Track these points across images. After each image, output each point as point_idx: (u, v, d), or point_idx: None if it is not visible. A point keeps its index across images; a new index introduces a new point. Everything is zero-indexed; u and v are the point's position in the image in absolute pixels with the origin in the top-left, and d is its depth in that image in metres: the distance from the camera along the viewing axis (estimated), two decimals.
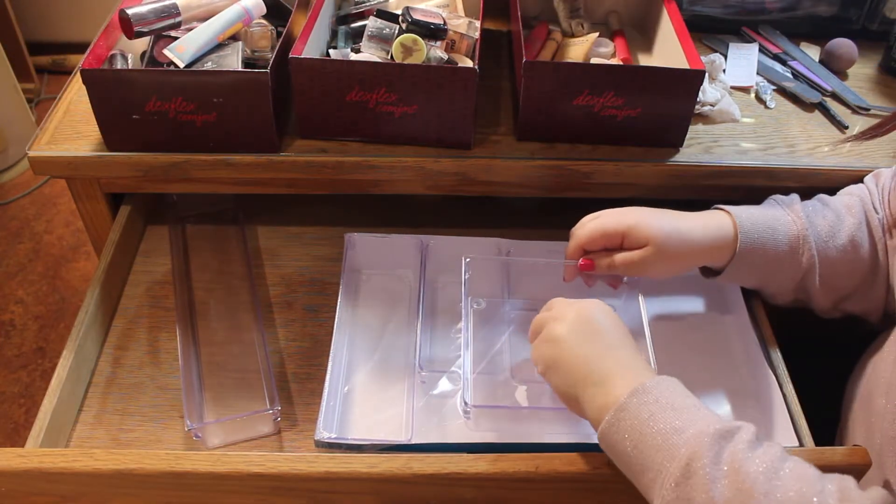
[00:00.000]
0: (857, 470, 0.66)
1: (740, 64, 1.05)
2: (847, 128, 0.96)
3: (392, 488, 0.66)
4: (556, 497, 0.68)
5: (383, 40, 0.88)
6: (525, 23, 1.07)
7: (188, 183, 0.90)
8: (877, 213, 0.79)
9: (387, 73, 0.82)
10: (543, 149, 0.89)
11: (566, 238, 0.80)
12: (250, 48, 0.89)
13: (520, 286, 0.87)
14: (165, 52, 0.83)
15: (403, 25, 0.86)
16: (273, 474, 0.64)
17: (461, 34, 0.91)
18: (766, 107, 0.99)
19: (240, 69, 0.84)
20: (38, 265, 1.79)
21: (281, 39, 0.87)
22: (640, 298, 0.79)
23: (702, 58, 0.88)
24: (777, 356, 0.81)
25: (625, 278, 0.81)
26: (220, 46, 0.86)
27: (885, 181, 0.82)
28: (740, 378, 0.81)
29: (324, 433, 0.70)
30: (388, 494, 0.67)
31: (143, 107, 0.82)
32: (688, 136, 0.90)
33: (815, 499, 0.52)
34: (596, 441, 0.62)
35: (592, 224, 0.77)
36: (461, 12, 0.97)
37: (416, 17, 0.85)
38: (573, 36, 1.03)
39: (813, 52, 1.09)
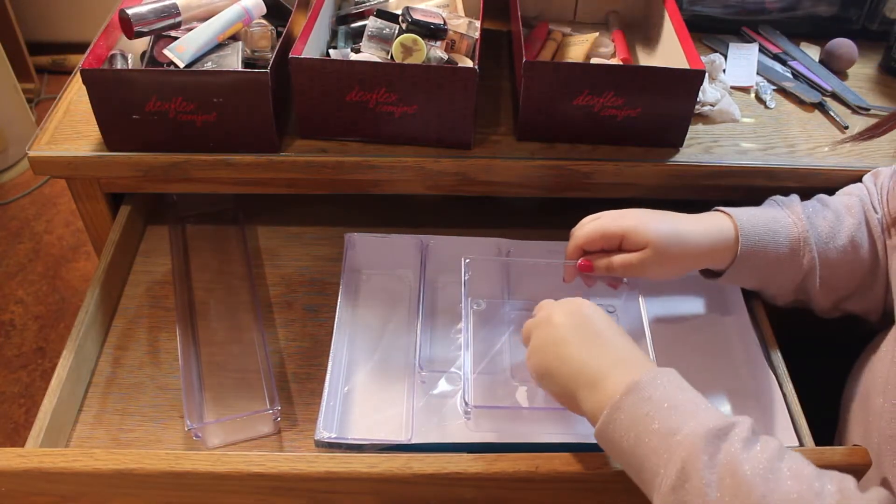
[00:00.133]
0: (857, 470, 0.66)
1: (740, 64, 1.05)
2: (847, 128, 0.96)
3: (392, 488, 0.66)
4: (556, 497, 0.68)
5: (383, 40, 0.88)
6: (525, 23, 1.07)
7: (188, 183, 0.90)
8: (876, 212, 0.79)
9: (387, 73, 0.82)
10: (543, 149, 0.89)
11: (566, 238, 0.80)
12: (250, 48, 0.89)
13: (520, 286, 0.87)
14: (165, 52, 0.83)
15: (403, 25, 0.86)
16: (273, 474, 0.64)
17: (461, 34, 0.91)
18: (766, 107, 0.99)
19: (240, 69, 0.84)
20: (38, 265, 1.79)
21: (281, 39, 0.87)
22: (640, 299, 0.79)
23: (702, 58, 0.88)
24: (777, 356, 0.81)
25: (625, 279, 0.81)
26: (220, 46, 0.86)
27: (883, 180, 0.81)
28: (740, 378, 0.80)
29: (324, 433, 0.70)
30: (388, 494, 0.67)
31: (143, 107, 0.82)
32: (688, 136, 0.90)
33: (813, 501, 0.52)
34: (595, 441, 0.62)
35: (591, 225, 0.77)
36: (461, 12, 0.97)
37: (416, 17, 0.85)
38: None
39: (813, 52, 1.09)
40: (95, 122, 0.85)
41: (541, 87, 0.85)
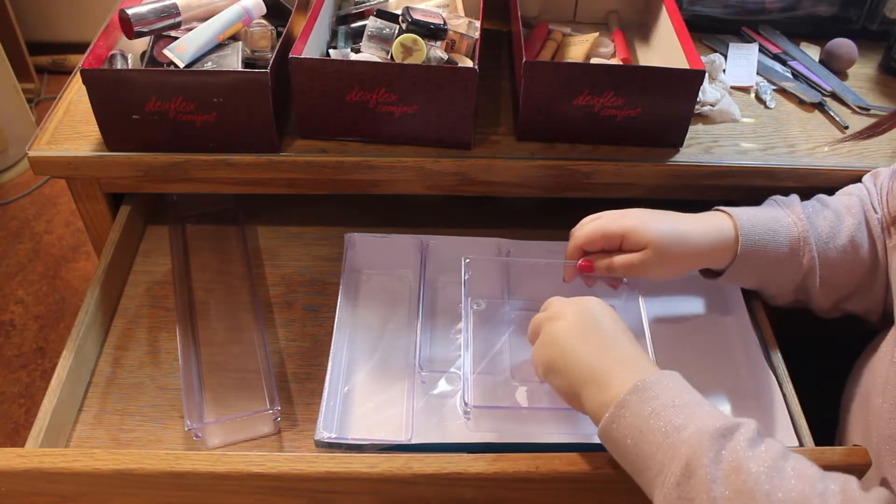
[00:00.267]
0: (857, 470, 0.66)
1: (740, 64, 1.05)
2: (847, 128, 0.96)
3: (392, 488, 0.66)
4: (556, 497, 0.68)
5: (383, 40, 0.88)
6: (525, 23, 1.07)
7: (188, 183, 0.90)
8: (876, 212, 0.79)
9: (387, 73, 0.82)
10: (543, 149, 0.89)
11: (566, 238, 0.80)
12: (250, 48, 0.89)
13: (520, 286, 0.87)
14: (165, 52, 0.83)
15: (403, 25, 0.86)
16: (273, 474, 0.64)
17: (461, 34, 0.91)
18: (766, 107, 0.99)
19: (240, 69, 0.84)
20: (38, 265, 1.79)
21: (281, 39, 0.87)
22: (640, 299, 0.79)
23: (702, 58, 0.88)
24: (777, 357, 0.81)
25: (625, 279, 0.81)
26: (220, 46, 0.86)
27: (883, 180, 0.82)
28: (740, 378, 0.80)
29: (324, 433, 0.70)
30: (388, 494, 0.67)
31: (143, 107, 0.82)
32: (688, 136, 0.90)
33: (816, 500, 0.52)
34: (596, 441, 0.62)
35: (591, 225, 0.77)
36: (461, 12, 0.97)
37: (416, 17, 0.85)
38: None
39: (813, 52, 1.09)
40: (95, 122, 0.85)
41: (541, 87, 0.85)
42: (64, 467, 0.64)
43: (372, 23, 0.89)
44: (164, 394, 0.80)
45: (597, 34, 1.02)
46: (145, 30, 0.84)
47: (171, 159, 0.86)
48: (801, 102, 1.00)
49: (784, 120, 0.97)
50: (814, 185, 0.89)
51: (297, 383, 0.81)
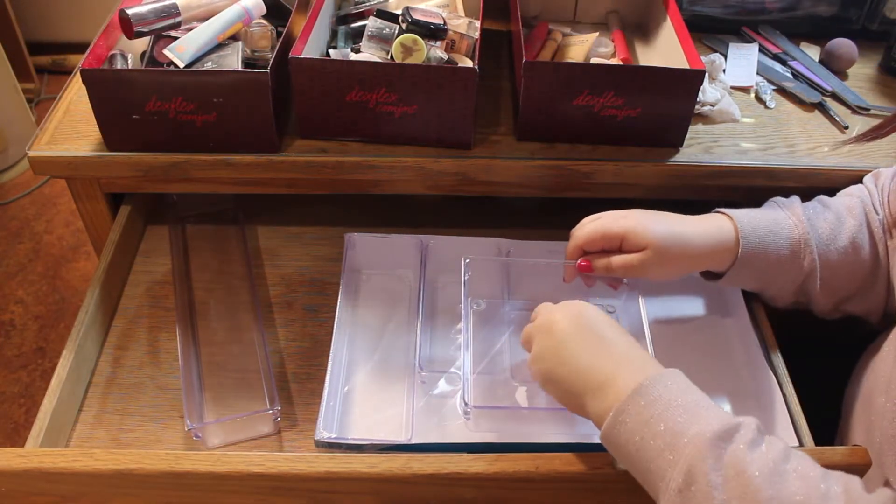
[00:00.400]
0: (857, 470, 0.66)
1: (740, 64, 1.05)
2: (847, 128, 0.96)
3: (392, 488, 0.66)
4: (556, 497, 0.68)
5: (383, 40, 0.88)
6: (525, 23, 1.07)
7: (188, 183, 0.90)
8: (877, 213, 0.79)
9: (387, 73, 0.82)
10: (543, 149, 0.89)
11: (566, 238, 0.80)
12: (250, 48, 0.89)
13: (520, 286, 0.87)
14: (165, 52, 0.83)
15: (403, 25, 0.86)
16: (273, 474, 0.64)
17: (461, 34, 0.91)
18: (766, 107, 0.99)
19: (240, 69, 0.84)
20: (38, 265, 1.79)
21: (281, 39, 0.87)
22: (640, 300, 0.79)
23: (702, 58, 0.88)
24: (777, 357, 0.81)
25: (625, 279, 0.81)
26: (220, 46, 0.86)
27: (884, 181, 0.81)
28: (741, 379, 0.80)
29: (324, 433, 0.70)
30: (388, 494, 0.67)
31: (143, 107, 0.82)
32: (688, 136, 0.90)
33: (820, 502, 0.52)
34: (596, 441, 0.62)
35: (591, 226, 0.77)
36: (461, 12, 0.97)
37: (416, 17, 0.85)
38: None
39: (813, 52, 1.09)
40: (95, 122, 0.85)
41: (541, 87, 0.85)
42: (64, 467, 0.64)
43: (372, 23, 0.89)
44: (164, 394, 0.80)
45: (597, 34, 1.02)
46: (145, 30, 0.84)
47: (171, 159, 0.86)
48: (801, 102, 1.00)
49: (784, 120, 0.97)
50: (814, 185, 0.89)
51: (297, 383, 0.81)
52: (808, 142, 0.93)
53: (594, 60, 0.96)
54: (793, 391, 0.77)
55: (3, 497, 0.66)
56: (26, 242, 1.84)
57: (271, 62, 0.82)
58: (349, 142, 0.88)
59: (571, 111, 0.86)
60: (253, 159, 0.86)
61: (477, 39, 0.91)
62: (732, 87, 1.01)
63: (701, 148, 0.91)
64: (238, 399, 0.79)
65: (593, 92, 0.84)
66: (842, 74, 1.06)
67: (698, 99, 0.94)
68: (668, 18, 0.97)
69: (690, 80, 0.84)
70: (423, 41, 0.83)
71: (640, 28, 1.09)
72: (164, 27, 0.86)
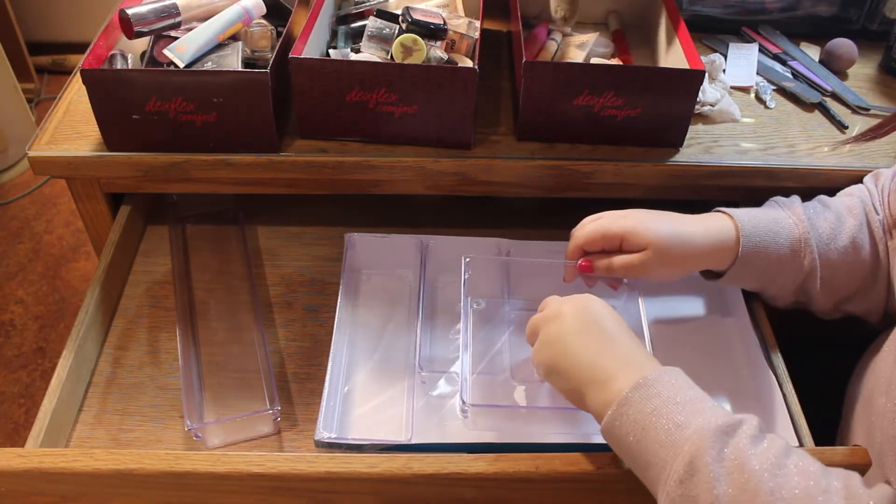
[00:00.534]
0: (858, 470, 0.66)
1: (740, 64, 1.05)
2: (847, 128, 0.96)
3: (392, 488, 0.66)
4: (556, 497, 0.68)
5: (383, 40, 0.88)
6: (525, 23, 1.07)
7: (188, 183, 0.90)
8: (877, 213, 0.79)
9: (387, 73, 0.82)
10: (543, 149, 0.89)
11: (566, 238, 0.80)
12: (250, 48, 0.89)
13: (520, 286, 0.87)
14: (165, 52, 0.83)
15: (403, 25, 0.86)
16: (273, 474, 0.64)
17: (461, 34, 0.91)
18: (766, 107, 0.99)
19: (240, 69, 0.84)
20: (38, 265, 1.79)
21: (281, 39, 0.87)
22: (640, 300, 0.79)
23: (702, 58, 0.88)
24: (777, 357, 0.81)
25: (625, 279, 0.81)
26: (220, 46, 0.86)
27: (884, 181, 0.81)
28: (741, 379, 0.80)
29: (324, 433, 0.70)
30: (388, 494, 0.67)
31: (143, 107, 0.82)
32: (688, 136, 0.90)
33: (820, 497, 0.52)
34: (596, 441, 0.62)
35: (591, 226, 0.77)
36: (461, 12, 0.97)
37: (416, 17, 0.85)
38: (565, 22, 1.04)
39: (813, 52, 1.09)
40: (95, 122, 0.85)
41: (541, 87, 0.85)
42: (64, 467, 0.64)
43: (372, 23, 0.89)
44: (164, 394, 0.80)
45: (597, 34, 1.02)
46: (145, 30, 0.84)
47: (171, 159, 0.86)
48: (801, 102, 1.00)
49: (784, 120, 0.97)
50: (814, 185, 0.89)
51: (297, 383, 0.81)
52: (808, 142, 0.93)
53: (594, 60, 0.96)
54: (793, 391, 0.77)
55: (3, 497, 0.66)
56: (26, 242, 1.84)
57: (271, 62, 0.82)
58: (349, 142, 0.88)
59: (571, 111, 0.86)
60: (253, 159, 0.86)
61: (477, 39, 0.91)
62: (732, 87, 1.01)
63: (701, 148, 0.91)
64: (238, 399, 0.79)
65: (593, 92, 0.84)
66: (842, 74, 1.06)
67: (698, 99, 0.94)
68: (668, 18, 0.97)
69: (690, 80, 0.84)
70: (423, 41, 0.84)
71: (640, 28, 1.09)
72: (164, 27, 0.86)
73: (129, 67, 0.86)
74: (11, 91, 1.93)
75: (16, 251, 1.82)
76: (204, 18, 0.87)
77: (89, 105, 0.83)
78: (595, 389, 0.62)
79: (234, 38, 0.88)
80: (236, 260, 0.94)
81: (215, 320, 0.86)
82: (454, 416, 0.75)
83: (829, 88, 1.02)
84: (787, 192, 0.84)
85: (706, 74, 0.93)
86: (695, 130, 0.93)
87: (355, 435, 0.74)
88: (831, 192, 0.85)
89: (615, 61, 0.99)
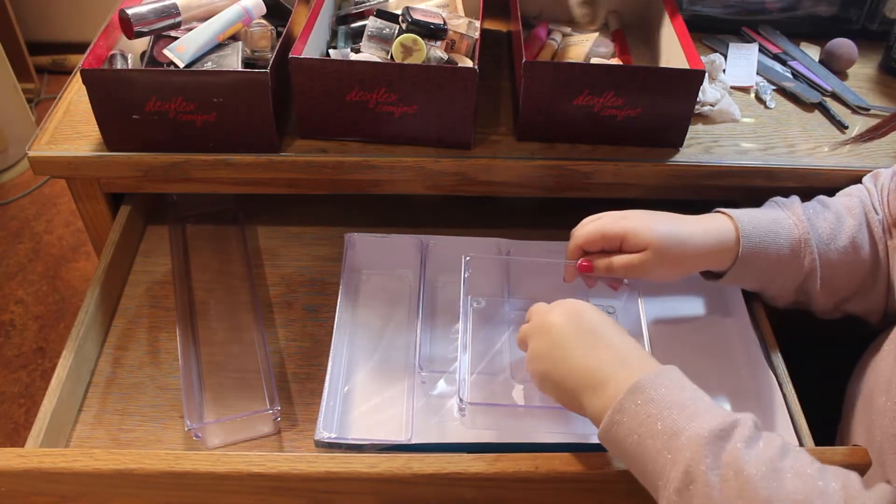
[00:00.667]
0: (858, 470, 0.66)
1: (740, 64, 1.05)
2: (847, 128, 0.96)
3: (392, 488, 0.66)
4: (556, 497, 0.68)
5: (383, 40, 0.88)
6: (525, 23, 1.07)
7: (188, 183, 0.90)
8: (876, 213, 0.79)
9: (387, 73, 0.82)
10: (543, 149, 0.89)
11: (566, 238, 0.80)
12: (250, 48, 0.89)
13: (520, 286, 0.87)
14: (165, 52, 0.83)
15: (403, 25, 0.86)
16: (273, 474, 0.64)
17: (461, 34, 0.91)
18: (766, 107, 0.99)
19: (240, 69, 0.84)
20: (38, 265, 1.79)
21: (281, 39, 0.87)
22: (640, 300, 0.79)
23: (702, 58, 0.88)
24: (777, 357, 0.81)
25: (625, 280, 0.80)
26: (220, 46, 0.86)
27: (884, 181, 0.81)
28: (741, 379, 0.80)
29: (324, 433, 0.70)
30: (388, 494, 0.67)
31: (143, 107, 0.82)
32: (688, 136, 0.90)
33: (818, 501, 0.52)
34: (595, 441, 0.62)
35: (591, 226, 0.77)
36: (461, 12, 0.97)
37: (416, 17, 0.85)
38: (580, 25, 1.04)
39: (813, 52, 1.09)
40: (95, 122, 0.85)
41: (541, 87, 0.85)
42: (64, 467, 0.64)
43: (372, 23, 0.89)
44: (164, 394, 0.80)
45: (597, 34, 1.02)
46: (145, 30, 0.84)
47: (171, 159, 0.86)
48: (801, 102, 1.00)
49: (784, 120, 0.97)
50: (814, 185, 0.89)
51: (297, 383, 0.81)
52: (808, 142, 0.93)
53: (594, 60, 0.96)
54: (793, 391, 0.77)
55: (3, 497, 0.66)
56: (26, 242, 1.84)
57: (271, 62, 0.82)
58: (349, 142, 0.88)
59: (571, 111, 0.86)
60: (253, 159, 0.86)
61: (477, 39, 0.91)
62: (732, 87, 1.01)
63: (701, 148, 0.91)
64: (238, 399, 0.79)
65: (593, 92, 0.84)
66: (842, 74, 1.06)
67: (698, 99, 0.94)
68: (668, 18, 0.97)
69: (690, 80, 0.84)
70: (423, 41, 0.84)
71: (640, 28, 1.09)
72: (164, 27, 0.86)
73: (129, 67, 0.86)
74: (11, 91, 1.93)
75: (16, 251, 1.82)
76: (204, 18, 0.87)
77: (89, 105, 0.83)
78: (591, 395, 0.62)
79: (234, 38, 0.88)
80: (236, 260, 0.94)
81: (215, 320, 0.86)
82: (454, 416, 0.75)
83: (829, 88, 1.02)
84: (787, 192, 0.84)
85: (706, 74, 0.93)
86: (695, 130, 0.93)
87: (355, 435, 0.74)
88: (831, 192, 0.85)
89: (615, 61, 0.99)
